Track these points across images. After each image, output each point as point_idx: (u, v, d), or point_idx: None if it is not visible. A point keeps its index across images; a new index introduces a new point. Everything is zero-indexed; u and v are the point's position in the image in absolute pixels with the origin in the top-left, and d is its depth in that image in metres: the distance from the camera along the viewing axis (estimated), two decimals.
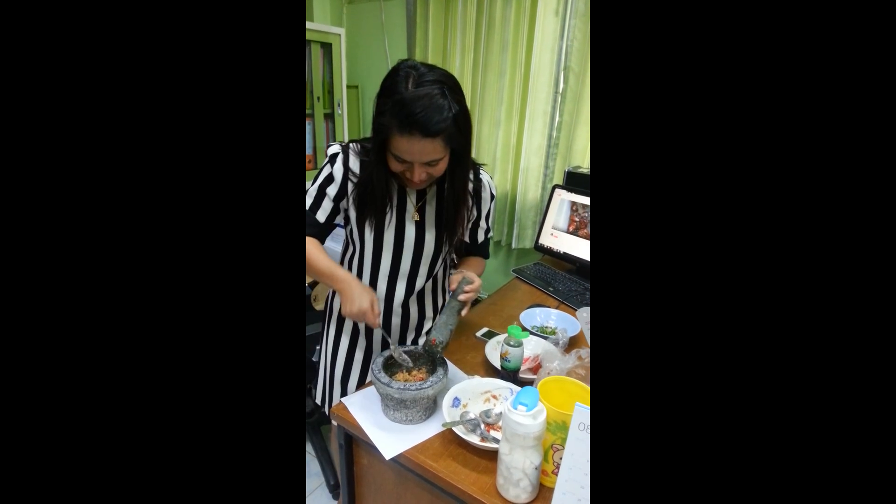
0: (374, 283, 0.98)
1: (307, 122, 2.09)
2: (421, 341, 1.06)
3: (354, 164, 0.90)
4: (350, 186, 0.90)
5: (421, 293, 1.03)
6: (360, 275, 0.98)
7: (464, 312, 0.91)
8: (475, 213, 1.00)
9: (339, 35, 2.09)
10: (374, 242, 0.94)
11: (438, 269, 1.02)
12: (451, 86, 0.77)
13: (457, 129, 0.78)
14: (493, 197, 1.03)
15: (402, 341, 1.06)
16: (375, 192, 0.88)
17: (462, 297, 0.89)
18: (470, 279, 0.91)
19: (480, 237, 1.06)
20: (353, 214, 0.92)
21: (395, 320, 1.02)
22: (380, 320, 0.89)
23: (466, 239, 1.04)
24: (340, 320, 1.06)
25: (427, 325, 1.07)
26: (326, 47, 2.07)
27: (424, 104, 0.74)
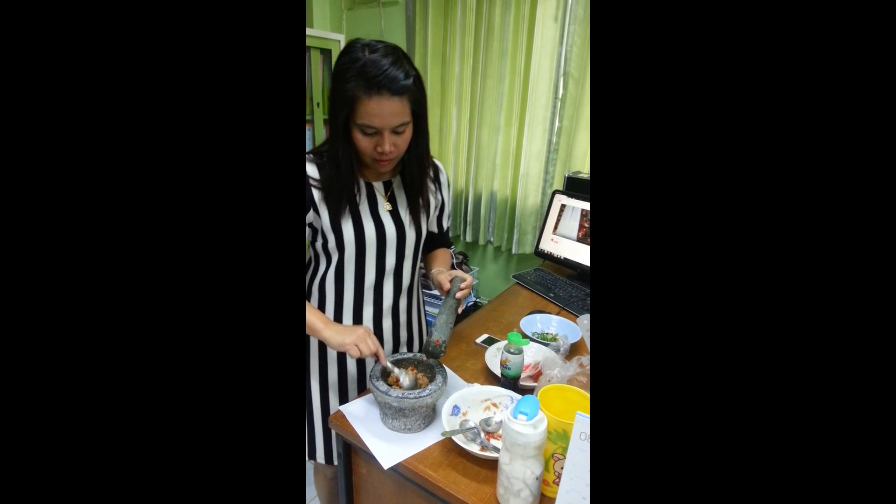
0: (360, 290, 0.94)
1: (307, 128, 2.09)
2: (409, 351, 1.05)
3: (313, 171, 0.87)
4: (316, 193, 0.87)
5: (409, 290, 1.02)
6: (341, 287, 0.93)
7: (459, 310, 0.94)
8: (440, 197, 1.01)
9: (339, 41, 2.09)
10: (356, 241, 0.90)
11: (419, 260, 1.02)
12: (403, 53, 0.79)
13: (418, 91, 0.80)
14: (448, 183, 1.05)
15: (395, 349, 1.04)
16: (344, 176, 0.85)
17: (459, 294, 0.91)
18: (462, 277, 0.93)
19: (445, 224, 1.08)
20: (325, 218, 0.87)
21: (387, 324, 1.00)
22: (376, 348, 0.84)
23: (434, 228, 1.05)
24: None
25: (415, 326, 1.07)
26: (326, 53, 2.07)
27: (388, 62, 0.75)
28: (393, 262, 0.95)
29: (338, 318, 0.95)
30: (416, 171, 0.92)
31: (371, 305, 0.96)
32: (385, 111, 0.76)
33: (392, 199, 0.94)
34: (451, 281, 0.93)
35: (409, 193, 0.95)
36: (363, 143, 0.81)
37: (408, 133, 0.82)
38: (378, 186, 0.93)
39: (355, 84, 0.75)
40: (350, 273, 0.93)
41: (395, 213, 0.93)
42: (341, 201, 0.87)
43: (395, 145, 0.81)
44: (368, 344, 0.82)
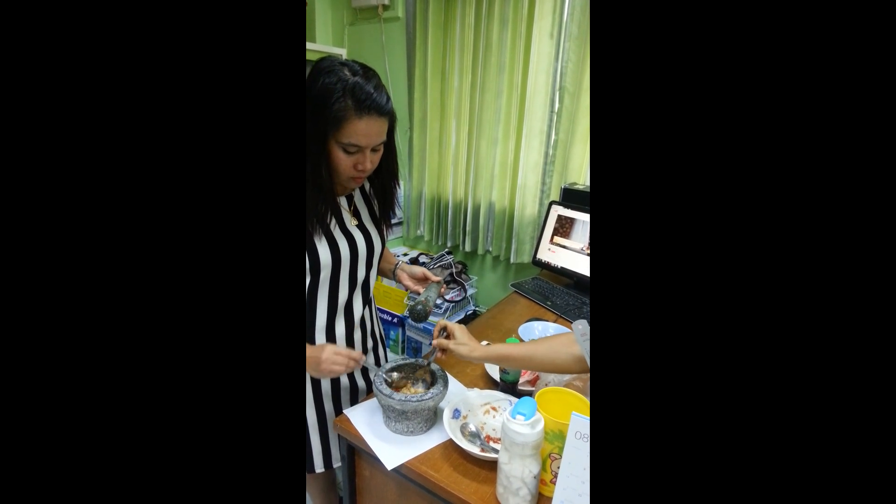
0: (333, 309, 0.95)
1: None
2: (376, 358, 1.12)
3: None
4: None
5: (371, 299, 1.06)
6: (314, 309, 0.93)
7: (442, 290, 1.05)
8: None
9: (341, 55, 2.14)
10: (333, 260, 0.90)
11: None
12: (378, 74, 0.83)
13: (393, 112, 0.85)
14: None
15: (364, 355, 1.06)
16: (326, 196, 0.85)
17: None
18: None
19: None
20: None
21: (357, 335, 1.02)
22: (358, 353, 0.89)
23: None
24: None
25: (377, 332, 1.12)
26: None
27: (372, 87, 0.79)
28: (363, 275, 0.98)
29: (310, 340, 0.95)
30: (387, 182, 0.97)
31: (343, 321, 0.97)
32: (372, 131, 0.80)
33: (356, 213, 0.97)
34: (431, 271, 1.06)
35: (380, 203, 1.00)
36: (344, 161, 0.82)
37: (381, 149, 0.87)
38: (342, 202, 0.95)
39: (344, 104, 0.77)
40: (324, 294, 0.93)
41: (361, 227, 0.97)
42: (315, 223, 0.86)
43: (372, 162, 0.85)
44: (338, 361, 0.84)
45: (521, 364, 0.85)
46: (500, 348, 0.86)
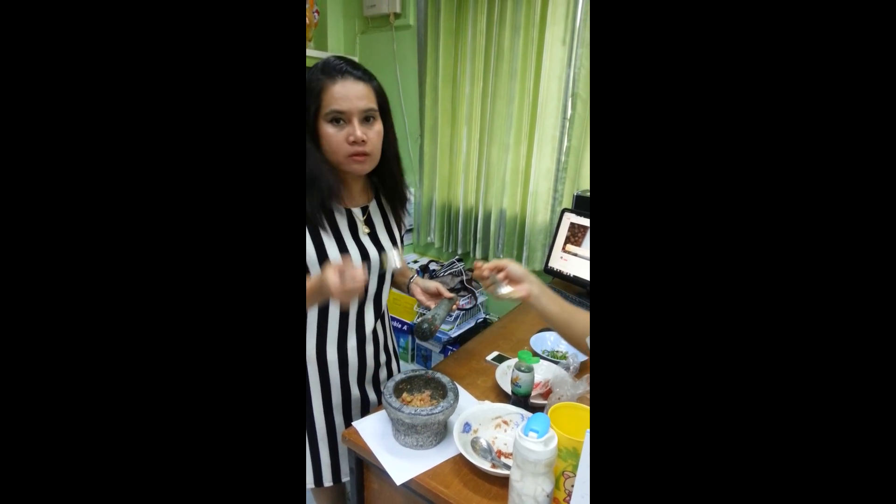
0: (344, 320, 0.94)
1: None
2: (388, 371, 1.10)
3: None
4: None
5: (384, 314, 1.05)
6: (325, 319, 0.92)
7: (454, 307, 1.00)
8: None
9: None
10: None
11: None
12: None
13: (381, 91, 0.86)
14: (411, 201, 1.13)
15: (376, 371, 1.05)
16: (322, 184, 0.83)
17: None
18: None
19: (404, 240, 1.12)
20: (310, 251, 0.85)
21: (370, 349, 1.01)
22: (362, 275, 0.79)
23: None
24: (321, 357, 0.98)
25: (391, 347, 1.11)
26: None
27: (347, 61, 0.83)
28: (374, 288, 0.97)
29: (321, 350, 0.94)
30: (394, 167, 0.95)
31: (354, 334, 0.96)
32: (351, 93, 0.80)
33: (369, 223, 0.96)
34: (441, 278, 1.04)
35: (382, 209, 0.99)
36: (335, 137, 0.81)
37: (377, 126, 0.85)
38: (356, 212, 0.94)
39: (317, 76, 0.80)
40: (335, 305, 0.92)
41: (373, 236, 0.95)
42: (324, 221, 0.86)
43: (366, 135, 0.82)
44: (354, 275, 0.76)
45: (559, 326, 0.88)
46: (552, 303, 0.88)
